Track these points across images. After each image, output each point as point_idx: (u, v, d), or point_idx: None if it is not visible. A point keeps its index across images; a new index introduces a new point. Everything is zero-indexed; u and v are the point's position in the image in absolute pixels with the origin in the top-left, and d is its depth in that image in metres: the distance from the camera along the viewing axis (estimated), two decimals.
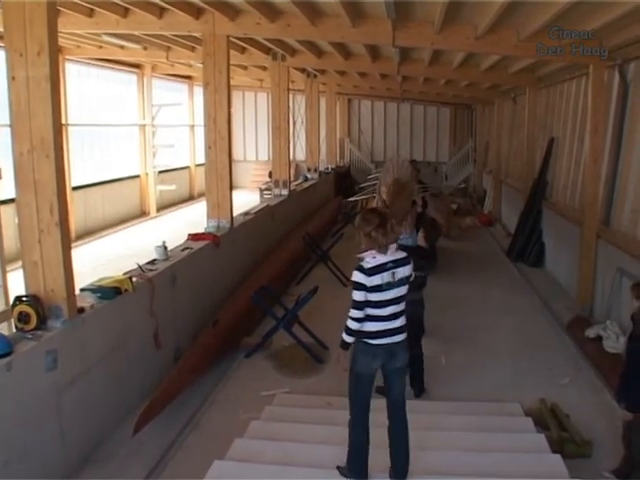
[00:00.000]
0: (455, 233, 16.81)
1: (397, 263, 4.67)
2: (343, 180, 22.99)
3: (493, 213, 19.41)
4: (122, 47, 14.50)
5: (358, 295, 4.62)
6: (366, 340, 4.71)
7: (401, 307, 4.77)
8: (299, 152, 20.38)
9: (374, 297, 4.63)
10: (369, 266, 4.60)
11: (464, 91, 19.33)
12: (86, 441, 5.77)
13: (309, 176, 19.35)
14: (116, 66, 18.80)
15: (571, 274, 10.59)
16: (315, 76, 19.15)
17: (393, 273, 4.63)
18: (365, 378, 4.78)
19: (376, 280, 4.59)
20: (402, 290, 4.73)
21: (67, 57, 15.51)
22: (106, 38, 12.70)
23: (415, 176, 16.20)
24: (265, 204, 13.61)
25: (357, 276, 4.61)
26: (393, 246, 4.70)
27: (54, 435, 5.32)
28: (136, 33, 11.80)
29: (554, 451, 5.35)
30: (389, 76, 17.43)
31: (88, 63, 17.39)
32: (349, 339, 4.74)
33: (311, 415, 5.65)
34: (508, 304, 10.59)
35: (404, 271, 4.71)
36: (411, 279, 4.84)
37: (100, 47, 14.85)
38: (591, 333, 8.38)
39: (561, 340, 8.86)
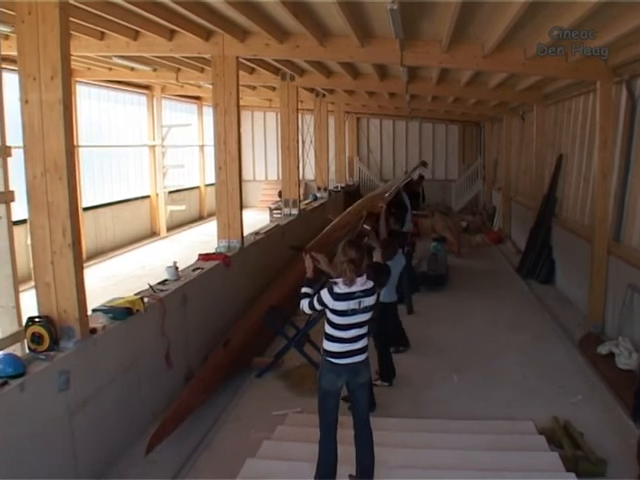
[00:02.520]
0: (465, 251, 16.81)
1: (365, 293, 5.05)
2: (353, 199, 23.01)
3: (503, 230, 19.38)
4: (132, 69, 14.61)
5: (317, 305, 5.12)
6: (330, 359, 5.13)
7: (364, 330, 5.17)
8: (308, 171, 20.48)
9: (339, 320, 5.04)
10: (339, 292, 4.99)
11: (472, 109, 19.39)
12: (98, 461, 5.76)
13: (319, 195, 19.41)
14: (126, 87, 18.96)
15: (582, 290, 10.54)
16: (324, 95, 19.26)
17: (359, 302, 5.02)
18: (330, 393, 5.17)
19: (341, 306, 5.00)
20: (366, 316, 5.12)
21: (78, 79, 15.65)
22: (116, 60, 12.82)
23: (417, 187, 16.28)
24: (275, 224, 13.65)
25: (325, 295, 5.03)
26: (363, 277, 5.06)
27: (66, 455, 5.32)
28: (146, 55, 11.92)
29: (568, 470, 5.30)
30: (397, 95, 17.51)
31: (98, 85, 17.54)
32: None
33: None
34: (519, 321, 10.56)
35: (369, 300, 5.10)
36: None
37: (110, 69, 14.99)
38: (603, 350, 8.34)
39: (573, 357, 8.81)
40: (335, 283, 5.03)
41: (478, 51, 9.06)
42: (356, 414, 5.31)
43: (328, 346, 5.13)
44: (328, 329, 5.11)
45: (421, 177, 17.75)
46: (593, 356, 8.44)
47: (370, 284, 5.10)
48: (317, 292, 5.16)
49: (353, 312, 5.00)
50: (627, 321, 8.59)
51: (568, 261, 12.17)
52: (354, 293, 4.98)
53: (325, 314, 5.13)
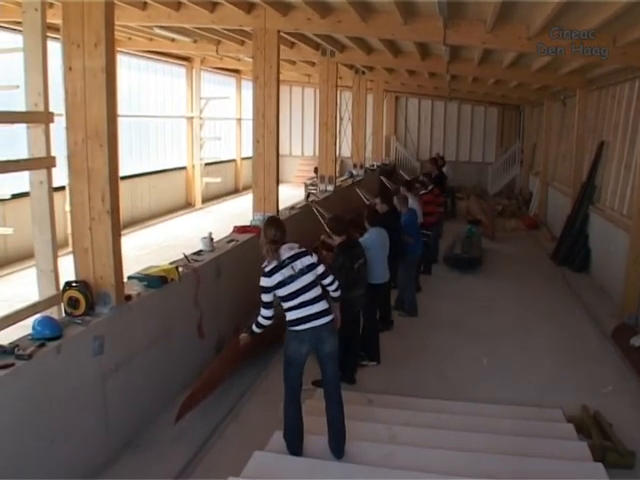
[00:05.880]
0: (499, 235, 16.66)
1: (294, 257, 5.24)
2: (388, 177, 22.88)
3: (539, 216, 19.15)
4: (173, 40, 14.64)
5: (265, 297, 5.25)
6: (292, 328, 5.29)
7: (315, 292, 5.31)
8: (345, 148, 20.38)
9: (283, 292, 5.21)
10: (269, 268, 5.19)
11: (513, 92, 19.11)
12: (128, 426, 5.88)
13: (354, 172, 19.33)
14: (166, 58, 19.00)
15: (617, 281, 10.39)
16: (363, 73, 19.10)
17: (292, 267, 5.19)
18: (294, 362, 5.34)
19: (277, 278, 5.16)
20: (308, 277, 5.27)
21: (119, 49, 15.71)
22: (158, 31, 12.85)
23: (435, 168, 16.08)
24: (310, 199, 13.63)
25: (261, 281, 5.20)
26: (287, 245, 5.30)
27: (98, 418, 5.44)
28: (187, 26, 11.92)
29: (596, 460, 5.26)
30: (438, 75, 17.28)
31: (139, 55, 17.62)
32: (257, 330, 5.47)
33: (351, 411, 5.66)
34: (551, 308, 10.48)
35: (303, 261, 5.26)
36: (319, 269, 5.40)
37: (151, 39, 15.04)
38: (636, 342, 8.21)
39: (604, 347, 8.71)
40: (265, 266, 5.22)
41: (523, 32, 8.86)
42: (325, 385, 5.53)
43: (288, 317, 5.29)
44: (282, 304, 5.29)
45: (437, 159, 17.50)
46: (626, 347, 8.31)
47: (300, 249, 5.34)
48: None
49: (291, 278, 5.17)
50: None
51: (604, 250, 11.99)
52: (283, 262, 5.17)
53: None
